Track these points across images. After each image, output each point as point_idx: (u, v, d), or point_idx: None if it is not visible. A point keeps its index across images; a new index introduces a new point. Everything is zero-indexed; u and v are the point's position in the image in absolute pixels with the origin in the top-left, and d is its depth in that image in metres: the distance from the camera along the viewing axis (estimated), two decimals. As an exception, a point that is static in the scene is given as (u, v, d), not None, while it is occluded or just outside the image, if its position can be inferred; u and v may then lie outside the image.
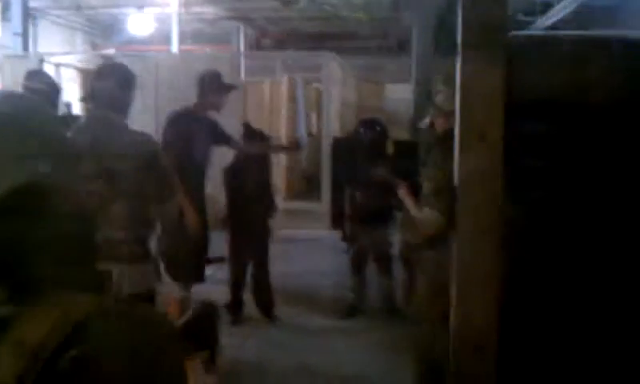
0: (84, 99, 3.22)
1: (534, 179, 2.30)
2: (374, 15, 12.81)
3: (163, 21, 12.33)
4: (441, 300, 2.85)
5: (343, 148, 6.22)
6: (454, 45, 2.25)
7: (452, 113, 2.81)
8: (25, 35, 10.18)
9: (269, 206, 5.42)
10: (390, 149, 5.46)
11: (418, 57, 9.98)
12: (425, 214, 3.01)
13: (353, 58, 13.56)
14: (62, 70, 10.31)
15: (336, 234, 5.85)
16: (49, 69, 8.99)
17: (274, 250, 5.51)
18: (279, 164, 12.14)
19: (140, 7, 11.72)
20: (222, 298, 5.31)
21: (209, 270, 5.97)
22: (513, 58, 2.17)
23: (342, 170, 5.85)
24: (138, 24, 12.07)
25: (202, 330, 1.51)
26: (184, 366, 1.00)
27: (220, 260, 6.36)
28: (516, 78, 2.18)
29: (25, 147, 0.95)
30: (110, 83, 3.12)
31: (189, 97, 5.01)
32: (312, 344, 4.89)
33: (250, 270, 5.31)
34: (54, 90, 4.39)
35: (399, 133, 8.15)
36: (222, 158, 5.41)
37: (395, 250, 5.22)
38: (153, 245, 3.32)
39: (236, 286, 5.29)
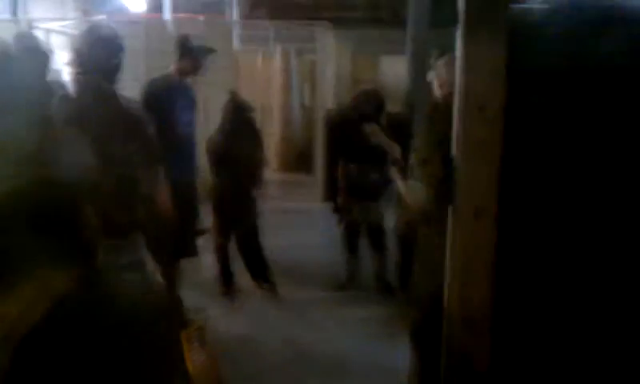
0: (70, 64, 3.12)
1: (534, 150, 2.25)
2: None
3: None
4: (436, 276, 2.83)
5: (338, 119, 6.13)
6: (451, 17, 2.20)
7: (451, 82, 2.77)
8: (14, 0, 9.99)
9: (254, 177, 5.33)
10: (384, 122, 5.40)
11: (413, 29, 9.87)
12: (409, 187, 2.95)
13: (348, 30, 13.42)
14: (53, 36, 10.14)
15: (328, 207, 5.83)
16: (39, 35, 8.83)
17: (265, 221, 5.47)
18: (272, 135, 12.08)
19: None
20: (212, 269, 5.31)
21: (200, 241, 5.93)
22: (513, 31, 2.13)
23: (336, 142, 5.77)
24: (130, -9, 11.88)
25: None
26: (177, 337, 0.97)
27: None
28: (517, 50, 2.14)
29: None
30: (96, 47, 3.02)
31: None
32: (300, 317, 4.87)
33: (238, 242, 5.28)
34: (43, 53, 4.27)
35: (394, 106, 8.08)
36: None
37: (389, 224, 5.20)
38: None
39: (222, 257, 5.25)
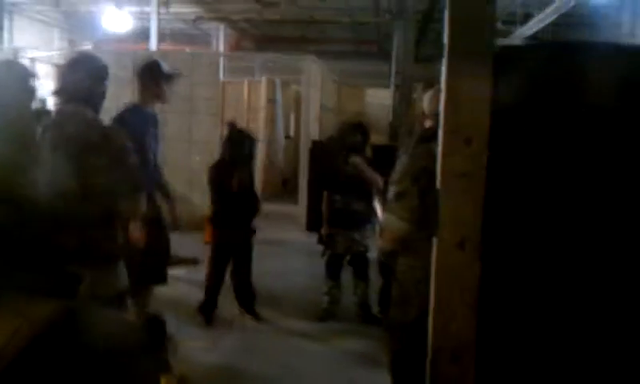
0: (55, 93, 3.11)
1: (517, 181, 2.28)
2: (355, 20, 12.84)
3: (142, 19, 12.21)
4: (412, 306, 2.83)
5: (323, 150, 6.17)
6: (435, 52, 2.23)
7: (434, 116, 2.80)
8: (0, 30, 10.00)
9: (254, 206, 5.41)
10: (368, 153, 5.45)
11: (398, 62, 10.02)
12: (385, 220, 2.99)
13: (333, 62, 13.57)
14: (38, 65, 10.15)
15: (312, 237, 5.83)
16: (25, 63, 8.83)
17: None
18: (256, 165, 12.09)
19: (119, 4, 11.58)
20: (193, 298, 5.27)
21: (180, 271, 5.89)
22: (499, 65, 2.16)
23: (320, 173, 5.81)
24: (116, 22, 11.92)
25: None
26: (156, 378, 0.95)
27: (193, 262, 6.27)
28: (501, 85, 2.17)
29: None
30: (81, 75, 3.02)
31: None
32: (284, 346, 4.84)
33: (231, 268, 5.29)
34: (29, 81, 4.25)
35: (378, 138, 8.16)
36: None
37: (372, 254, 5.20)
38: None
39: (214, 287, 5.25)
